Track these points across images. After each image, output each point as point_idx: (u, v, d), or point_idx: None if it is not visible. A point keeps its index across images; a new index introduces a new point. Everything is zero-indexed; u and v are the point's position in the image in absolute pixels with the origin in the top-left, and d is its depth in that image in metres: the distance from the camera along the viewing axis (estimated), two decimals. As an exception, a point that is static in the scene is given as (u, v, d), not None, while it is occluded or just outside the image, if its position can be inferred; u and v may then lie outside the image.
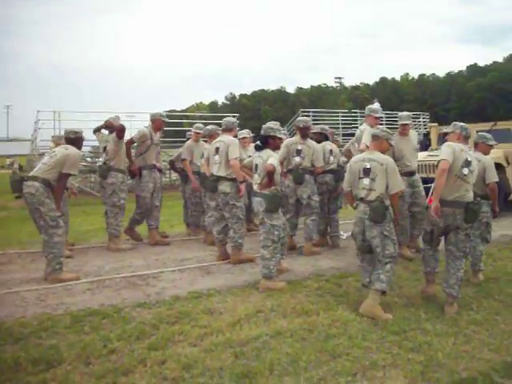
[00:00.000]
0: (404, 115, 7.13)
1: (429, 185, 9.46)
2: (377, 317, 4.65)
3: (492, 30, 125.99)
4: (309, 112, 23.87)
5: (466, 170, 4.83)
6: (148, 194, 7.76)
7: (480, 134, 6.00)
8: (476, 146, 5.83)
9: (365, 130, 6.68)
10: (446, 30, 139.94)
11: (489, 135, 5.85)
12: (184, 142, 8.95)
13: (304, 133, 7.18)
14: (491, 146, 5.84)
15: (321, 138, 7.75)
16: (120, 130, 7.36)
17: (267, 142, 5.73)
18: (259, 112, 71.13)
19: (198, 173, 8.03)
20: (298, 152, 7.09)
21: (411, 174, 6.92)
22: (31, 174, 6.08)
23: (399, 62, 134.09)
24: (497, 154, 10.19)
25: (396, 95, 70.86)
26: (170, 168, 11.60)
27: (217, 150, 6.60)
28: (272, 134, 5.74)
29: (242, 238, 6.61)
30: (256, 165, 5.75)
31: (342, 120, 24.97)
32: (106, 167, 7.52)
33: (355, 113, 26.83)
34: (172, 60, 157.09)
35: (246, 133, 8.88)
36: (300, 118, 7.60)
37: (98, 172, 8.01)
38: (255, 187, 5.72)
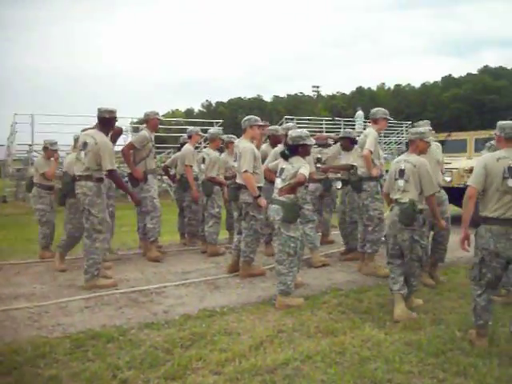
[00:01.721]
0: (421, 123, 6.39)
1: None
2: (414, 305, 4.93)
3: (465, 42, 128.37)
4: (292, 119, 23.53)
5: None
6: (156, 195, 7.19)
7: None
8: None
9: (369, 135, 6.22)
10: (421, 42, 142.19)
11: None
12: (161, 148, 8.50)
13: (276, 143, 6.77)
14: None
15: (346, 143, 7.41)
16: (116, 133, 6.87)
17: (297, 152, 5.23)
18: (236, 120, 70.81)
19: (196, 179, 7.63)
20: None
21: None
22: (76, 173, 5.80)
23: (375, 73, 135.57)
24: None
25: (373, 105, 71.16)
26: (163, 174, 11.02)
27: (236, 156, 6.09)
28: (302, 142, 5.22)
29: (253, 253, 6.14)
30: (282, 169, 5.25)
31: (326, 128, 24.71)
32: None
33: (339, 121, 26.66)
34: (148, 67, 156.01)
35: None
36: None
37: None
38: (275, 192, 5.26)
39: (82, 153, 5.77)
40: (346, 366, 3.69)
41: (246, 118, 6.18)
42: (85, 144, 5.77)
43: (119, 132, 6.89)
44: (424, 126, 6.07)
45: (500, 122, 4.21)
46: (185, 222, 8.30)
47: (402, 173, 4.90)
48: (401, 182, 4.89)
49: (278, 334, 4.28)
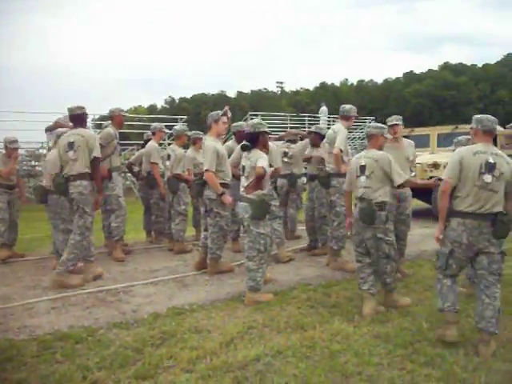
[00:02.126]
0: (393, 116, 6.24)
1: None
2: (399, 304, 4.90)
3: (426, 39, 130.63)
4: (257, 116, 23.57)
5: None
6: (121, 193, 7.11)
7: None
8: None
9: (339, 132, 6.23)
10: (383, 39, 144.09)
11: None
12: (125, 144, 8.39)
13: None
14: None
15: (316, 139, 7.40)
16: None
17: (257, 140, 5.20)
18: (200, 116, 70.32)
19: (162, 176, 7.59)
20: None
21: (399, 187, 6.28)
22: (69, 173, 5.76)
23: (338, 69, 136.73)
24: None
25: (336, 100, 71.76)
26: (127, 171, 10.88)
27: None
28: (262, 129, 5.23)
29: (220, 250, 6.10)
30: (243, 166, 5.23)
31: (291, 124, 24.83)
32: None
33: (303, 116, 26.79)
34: (108, 62, 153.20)
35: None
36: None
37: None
38: (241, 191, 5.24)
39: (71, 153, 5.74)
40: (316, 360, 3.72)
41: (209, 115, 6.16)
42: (71, 144, 5.74)
43: None
44: (396, 120, 6.10)
45: (476, 116, 4.15)
46: (152, 220, 8.19)
47: (363, 169, 4.82)
48: (362, 179, 4.81)
49: (248, 330, 4.28)
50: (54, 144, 6.44)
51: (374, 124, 5.26)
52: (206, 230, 6.28)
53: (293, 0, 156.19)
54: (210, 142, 5.95)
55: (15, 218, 7.40)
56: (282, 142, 8.59)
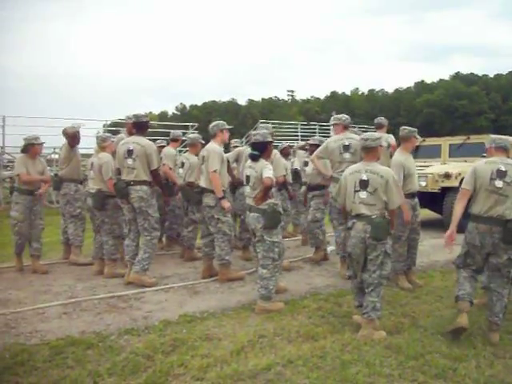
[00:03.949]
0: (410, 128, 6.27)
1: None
2: (376, 339, 4.33)
3: (437, 48, 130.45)
4: (267, 124, 23.55)
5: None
6: None
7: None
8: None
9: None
10: (395, 48, 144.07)
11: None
12: None
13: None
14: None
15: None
16: (72, 138, 7.04)
17: (265, 150, 5.24)
18: (210, 123, 70.42)
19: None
20: None
21: (413, 195, 6.07)
22: (131, 179, 5.95)
23: (349, 78, 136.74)
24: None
25: (347, 109, 71.84)
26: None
27: (202, 159, 6.09)
28: (270, 139, 5.27)
29: (229, 255, 6.10)
30: (248, 176, 5.23)
31: (302, 132, 24.82)
32: (58, 178, 7.21)
33: (314, 125, 26.79)
34: (123, 69, 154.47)
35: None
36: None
37: (52, 184, 7.40)
38: (249, 201, 5.24)
39: (129, 160, 5.93)
40: (327, 370, 3.70)
41: (214, 124, 6.24)
42: (129, 151, 5.91)
43: (74, 136, 7.09)
44: (411, 131, 6.13)
45: (492, 136, 4.76)
46: (165, 226, 8.19)
47: (364, 184, 4.44)
48: (363, 194, 4.43)
49: (258, 339, 4.26)
50: (103, 149, 6.49)
51: (371, 135, 4.76)
52: (203, 237, 6.35)
53: (305, 9, 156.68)
54: (214, 145, 6.07)
55: (38, 226, 6.81)
56: (303, 151, 8.72)
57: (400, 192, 4.83)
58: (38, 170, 6.70)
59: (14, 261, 6.92)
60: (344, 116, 6.57)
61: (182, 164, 7.34)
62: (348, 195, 4.55)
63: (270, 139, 5.28)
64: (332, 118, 6.78)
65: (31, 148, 6.68)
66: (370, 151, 4.56)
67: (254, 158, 5.20)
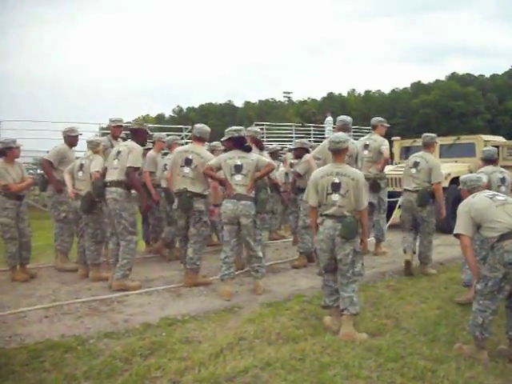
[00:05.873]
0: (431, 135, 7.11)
1: (395, 199, 9.29)
2: (357, 340, 4.32)
3: (433, 49, 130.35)
4: (262, 125, 23.56)
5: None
6: None
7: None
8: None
9: (385, 141, 7.94)
10: (391, 49, 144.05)
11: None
12: None
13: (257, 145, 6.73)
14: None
15: (301, 153, 7.35)
16: (73, 138, 7.14)
17: (246, 141, 5.84)
18: (207, 125, 70.36)
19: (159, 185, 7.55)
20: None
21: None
22: (110, 179, 5.88)
23: (346, 79, 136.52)
24: (461, 168, 10.15)
25: (343, 110, 71.79)
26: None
27: (187, 161, 5.96)
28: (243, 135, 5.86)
29: (200, 260, 6.05)
30: (239, 165, 5.52)
31: (296, 134, 24.80)
32: (44, 179, 7.11)
33: (308, 127, 26.78)
34: (120, 71, 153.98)
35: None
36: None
37: (39, 185, 7.41)
38: (240, 190, 5.45)
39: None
40: (305, 373, 3.69)
41: (199, 126, 6.31)
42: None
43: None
44: (432, 137, 6.98)
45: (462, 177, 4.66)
46: (149, 230, 8.14)
47: (336, 186, 4.48)
48: (335, 197, 4.47)
49: (238, 342, 4.25)
50: (96, 152, 6.48)
51: (340, 136, 4.73)
52: (182, 241, 6.28)
53: (301, 11, 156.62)
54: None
55: (26, 233, 6.59)
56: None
57: (367, 193, 5.09)
58: (18, 174, 6.50)
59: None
60: (348, 118, 6.98)
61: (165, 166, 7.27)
62: (320, 198, 4.58)
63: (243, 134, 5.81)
64: (326, 119, 7.15)
65: (8, 152, 6.45)
66: (339, 153, 4.60)
67: (247, 150, 5.68)
